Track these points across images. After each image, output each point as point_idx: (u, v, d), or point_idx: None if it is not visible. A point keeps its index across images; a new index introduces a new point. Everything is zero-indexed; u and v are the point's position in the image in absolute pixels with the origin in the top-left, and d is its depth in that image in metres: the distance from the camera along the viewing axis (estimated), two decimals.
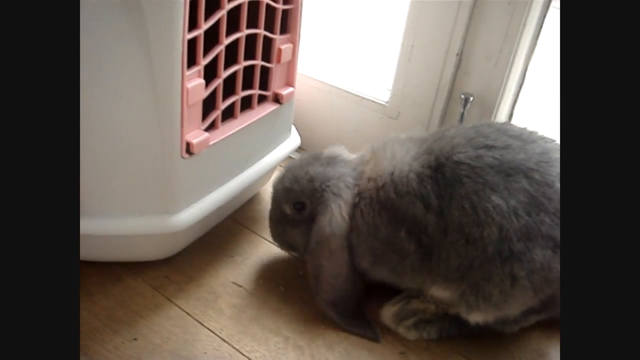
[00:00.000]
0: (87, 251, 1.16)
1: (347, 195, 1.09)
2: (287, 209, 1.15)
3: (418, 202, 1.02)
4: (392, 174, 1.06)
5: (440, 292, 1.07)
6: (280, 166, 1.52)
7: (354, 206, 1.09)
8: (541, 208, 0.96)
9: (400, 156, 1.08)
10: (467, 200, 0.98)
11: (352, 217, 1.08)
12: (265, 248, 1.31)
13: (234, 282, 1.20)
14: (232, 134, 1.13)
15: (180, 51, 0.93)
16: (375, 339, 1.10)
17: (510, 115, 1.41)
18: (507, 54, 1.31)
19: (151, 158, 1.02)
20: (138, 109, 0.97)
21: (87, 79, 0.93)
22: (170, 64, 0.94)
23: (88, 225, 1.05)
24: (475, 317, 1.05)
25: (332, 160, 1.15)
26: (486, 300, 1.01)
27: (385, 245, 1.07)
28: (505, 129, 1.05)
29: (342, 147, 1.21)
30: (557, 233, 0.95)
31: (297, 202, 1.13)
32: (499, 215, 0.96)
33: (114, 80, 0.94)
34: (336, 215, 1.08)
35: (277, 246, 1.23)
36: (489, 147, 1.01)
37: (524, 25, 1.27)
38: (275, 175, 1.30)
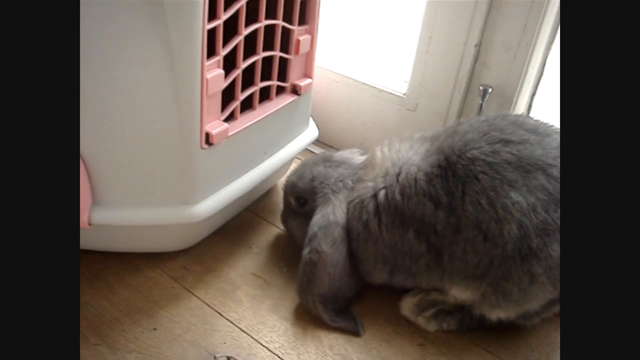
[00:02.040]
0: (107, 242, 1.17)
1: (345, 195, 1.13)
2: (292, 201, 1.20)
3: (427, 201, 1.02)
4: (398, 175, 1.06)
5: (461, 293, 1.06)
6: (298, 158, 1.52)
7: (351, 210, 1.11)
8: (557, 204, 0.95)
9: (407, 157, 1.08)
10: (484, 196, 0.97)
11: (349, 222, 1.10)
12: (282, 239, 1.31)
13: (252, 273, 1.20)
14: (251, 124, 1.13)
15: (200, 41, 0.94)
16: (357, 334, 1.09)
17: (529, 107, 1.40)
18: (526, 45, 1.30)
19: (171, 149, 1.03)
20: (158, 100, 0.97)
21: (108, 71, 0.94)
22: (191, 54, 0.94)
23: (108, 216, 1.06)
24: (498, 315, 1.05)
25: (339, 163, 1.19)
26: (506, 298, 1.00)
27: (393, 249, 1.07)
28: (521, 122, 1.04)
29: (356, 151, 1.23)
30: None
31: (300, 197, 1.18)
32: (518, 212, 0.95)
33: (134, 71, 0.95)
34: (337, 206, 1.11)
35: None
36: (506, 142, 1.00)
37: (544, 16, 1.26)
38: (292, 167, 1.31)
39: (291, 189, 1.20)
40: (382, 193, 1.07)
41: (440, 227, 1.01)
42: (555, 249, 0.95)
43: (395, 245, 1.07)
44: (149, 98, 0.97)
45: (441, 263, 1.04)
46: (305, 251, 1.09)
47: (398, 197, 1.04)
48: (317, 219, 1.10)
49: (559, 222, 0.94)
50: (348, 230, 1.10)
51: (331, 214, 1.10)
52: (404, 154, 1.09)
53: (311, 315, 1.11)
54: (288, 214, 1.24)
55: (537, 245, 0.95)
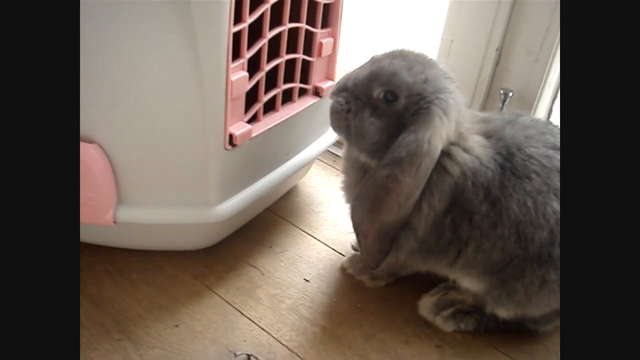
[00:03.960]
0: (130, 239, 1.19)
1: (453, 121, 0.95)
2: (377, 92, 0.96)
3: (481, 189, 0.96)
4: (475, 154, 0.98)
5: (473, 284, 1.06)
6: (319, 159, 1.54)
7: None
8: None
9: (482, 142, 1.00)
10: (531, 198, 0.95)
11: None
12: (303, 240, 1.32)
13: (272, 273, 1.22)
14: (274, 126, 1.15)
15: (225, 44, 0.95)
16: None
17: (550, 112, 1.41)
18: (548, 50, 1.30)
19: (195, 149, 1.04)
20: (183, 101, 0.99)
21: (135, 72, 0.96)
22: (216, 56, 0.96)
23: (132, 214, 1.08)
24: (497, 311, 1.05)
25: (445, 72, 0.99)
26: (510, 297, 1.01)
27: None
28: None
29: None
30: None
31: (392, 92, 0.95)
32: (554, 221, 0.95)
33: (160, 73, 0.96)
34: (438, 134, 0.93)
35: (332, 128, 1.05)
36: (557, 150, 0.98)
37: None
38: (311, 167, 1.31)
39: (386, 77, 0.95)
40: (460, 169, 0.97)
41: (478, 218, 0.97)
42: None
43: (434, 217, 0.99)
44: (175, 99, 0.99)
45: (464, 253, 1.01)
46: (384, 172, 0.94)
47: (469, 182, 0.97)
48: (410, 140, 0.92)
49: None
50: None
51: (426, 142, 0.92)
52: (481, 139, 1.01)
53: (329, 316, 1.12)
54: (364, 107, 0.97)
55: (557, 255, 0.96)
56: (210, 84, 0.97)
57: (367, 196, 0.97)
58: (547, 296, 0.98)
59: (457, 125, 0.96)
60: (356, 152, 1.04)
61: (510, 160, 0.97)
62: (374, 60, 1.00)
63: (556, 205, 0.95)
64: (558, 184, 0.95)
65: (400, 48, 1.01)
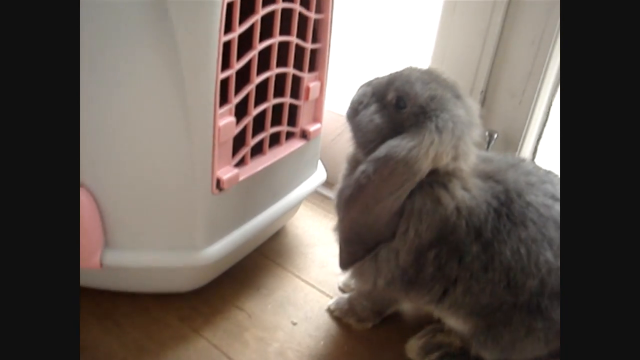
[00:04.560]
0: (117, 282, 1.19)
1: (447, 141, 0.92)
2: (390, 96, 0.98)
3: (473, 230, 0.96)
4: (471, 195, 0.97)
5: (459, 325, 1.06)
6: (307, 200, 1.54)
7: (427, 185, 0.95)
8: None
9: (479, 185, 0.99)
10: (524, 246, 0.94)
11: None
12: (290, 282, 1.32)
13: (259, 315, 1.21)
14: (261, 169, 1.16)
15: (213, 90, 0.97)
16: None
17: (534, 153, 1.43)
18: (531, 92, 1.32)
19: (182, 194, 1.05)
20: (171, 147, 1.00)
21: (124, 117, 0.97)
22: (204, 102, 0.97)
23: (119, 258, 1.08)
24: (484, 355, 1.05)
25: (469, 109, 0.98)
26: (495, 341, 1.00)
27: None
28: None
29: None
30: None
31: (402, 99, 0.96)
32: (546, 272, 0.94)
33: (149, 120, 0.98)
34: (424, 148, 0.91)
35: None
36: (556, 200, 0.98)
37: (548, 64, 1.28)
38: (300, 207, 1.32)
39: (400, 83, 0.97)
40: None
41: (469, 259, 0.97)
42: (558, 314, 0.95)
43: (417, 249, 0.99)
44: (162, 144, 1.00)
45: (453, 293, 1.00)
46: (362, 168, 0.94)
47: (460, 221, 0.95)
48: (393, 144, 0.92)
49: None
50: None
51: (407, 149, 0.90)
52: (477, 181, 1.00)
53: (319, 355, 1.12)
54: (370, 101, 1.00)
55: (545, 306, 0.95)
56: (198, 129, 0.99)
57: (346, 186, 0.99)
58: (531, 344, 0.98)
59: (456, 151, 0.94)
60: (354, 146, 1.05)
61: (508, 206, 0.97)
62: (405, 68, 1.03)
63: (549, 255, 0.94)
64: (553, 234, 0.95)
65: (430, 68, 1.02)
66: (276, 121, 1.19)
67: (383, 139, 0.95)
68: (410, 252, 0.98)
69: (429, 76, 0.98)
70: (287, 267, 1.36)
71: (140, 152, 1.00)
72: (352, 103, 1.03)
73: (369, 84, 1.03)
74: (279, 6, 1.06)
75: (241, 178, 1.10)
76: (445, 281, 1.00)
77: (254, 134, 1.13)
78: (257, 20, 1.01)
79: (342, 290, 1.30)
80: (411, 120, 0.95)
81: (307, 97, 1.23)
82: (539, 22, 1.26)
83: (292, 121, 1.24)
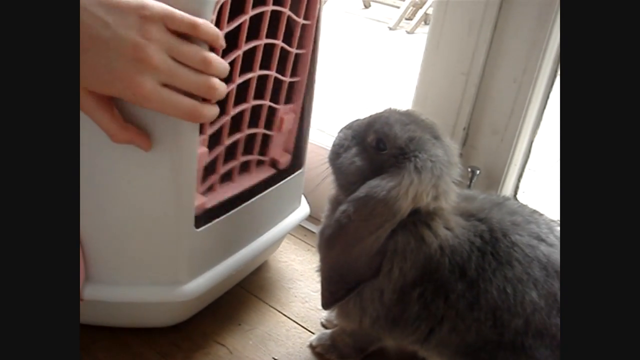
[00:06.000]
0: (96, 316, 1.17)
1: (427, 180, 0.93)
2: (372, 139, 0.99)
3: (457, 268, 0.96)
4: (454, 234, 0.98)
5: None
6: (291, 234, 1.54)
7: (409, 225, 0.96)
8: (558, 311, 0.94)
9: (460, 223, 1.00)
10: (510, 285, 0.94)
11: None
12: (272, 317, 1.31)
13: (240, 351, 1.20)
14: (241, 207, 1.16)
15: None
16: None
17: (516, 189, 1.44)
18: (513, 129, 1.34)
19: (163, 230, 1.05)
20: (153, 183, 1.00)
21: (107, 157, 0.97)
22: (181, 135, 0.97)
23: (100, 292, 1.07)
24: None
25: (448, 149, 0.99)
26: None
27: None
28: (552, 228, 1.02)
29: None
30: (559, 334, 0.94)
31: (382, 141, 0.97)
32: (530, 311, 0.94)
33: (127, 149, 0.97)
34: (403, 187, 0.91)
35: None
36: (541, 240, 0.98)
37: (529, 102, 1.30)
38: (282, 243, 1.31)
39: (380, 125, 0.98)
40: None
41: (454, 297, 0.96)
42: (541, 352, 0.94)
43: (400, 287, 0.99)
44: (144, 180, 1.00)
45: (439, 332, 0.99)
46: (342, 208, 0.95)
47: (443, 258, 0.96)
48: (373, 184, 0.93)
49: (553, 328, 0.94)
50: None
51: (386, 190, 0.91)
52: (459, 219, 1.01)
53: None
54: (351, 144, 1.02)
55: (529, 345, 0.95)
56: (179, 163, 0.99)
57: (327, 226, 1.00)
58: None
59: (436, 190, 0.95)
60: (336, 187, 1.06)
61: (492, 245, 0.97)
62: (385, 109, 1.04)
63: (534, 295, 0.94)
64: (538, 274, 0.95)
65: (411, 111, 1.04)
66: (247, 150, 1.18)
67: (364, 181, 0.96)
68: (395, 291, 0.99)
69: (408, 118, 1.00)
70: (269, 302, 1.35)
71: (122, 187, 1.00)
72: (334, 146, 1.04)
73: (349, 126, 1.05)
74: (261, 42, 1.07)
75: (208, 205, 1.10)
76: (431, 320, 1.00)
77: (225, 162, 1.13)
78: (238, 55, 1.02)
79: (325, 326, 1.29)
80: (391, 161, 0.96)
81: (280, 129, 1.22)
82: (521, 61, 1.29)
83: (263, 150, 1.24)
